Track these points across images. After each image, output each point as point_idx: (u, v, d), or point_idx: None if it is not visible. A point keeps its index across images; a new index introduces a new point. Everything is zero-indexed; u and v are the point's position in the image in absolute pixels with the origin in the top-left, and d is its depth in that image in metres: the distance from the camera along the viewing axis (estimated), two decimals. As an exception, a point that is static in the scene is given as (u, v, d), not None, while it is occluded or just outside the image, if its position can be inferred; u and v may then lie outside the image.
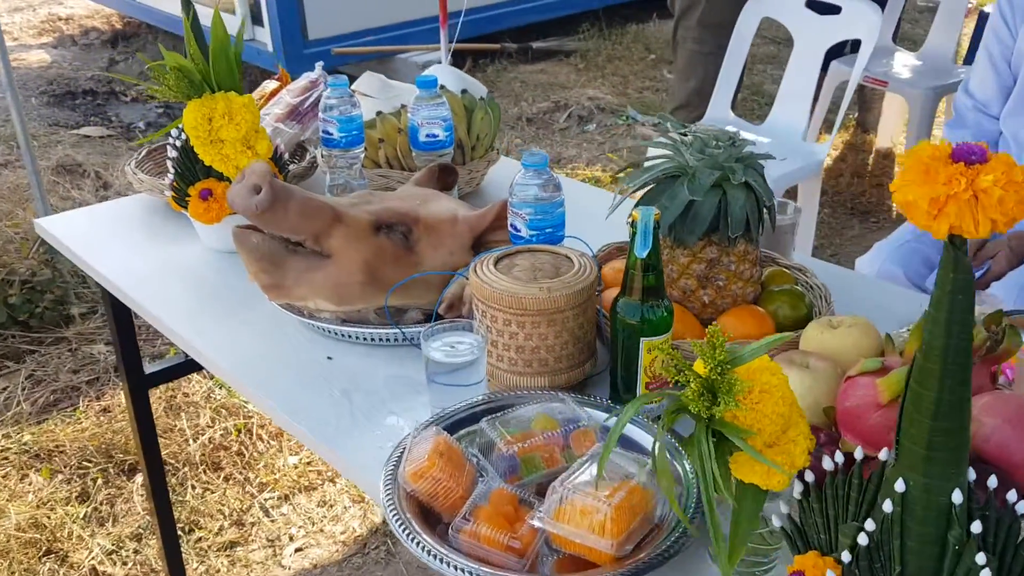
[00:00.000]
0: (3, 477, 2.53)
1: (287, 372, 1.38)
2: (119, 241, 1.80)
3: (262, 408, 1.34)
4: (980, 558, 0.71)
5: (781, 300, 1.32)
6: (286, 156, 1.74)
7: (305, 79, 2.07)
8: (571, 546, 0.98)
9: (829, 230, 3.89)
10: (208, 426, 2.71)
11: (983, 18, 4.66)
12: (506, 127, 4.84)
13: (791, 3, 3.25)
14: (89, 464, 2.57)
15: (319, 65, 2.11)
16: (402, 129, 1.83)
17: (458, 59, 5.31)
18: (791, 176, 3.13)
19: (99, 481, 2.52)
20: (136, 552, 2.33)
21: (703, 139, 1.28)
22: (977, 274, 2.19)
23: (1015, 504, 0.75)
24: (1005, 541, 0.75)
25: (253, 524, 2.42)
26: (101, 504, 2.46)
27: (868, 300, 1.49)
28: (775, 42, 5.78)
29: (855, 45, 4.04)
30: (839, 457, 0.79)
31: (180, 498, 2.47)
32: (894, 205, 4.13)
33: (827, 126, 4.52)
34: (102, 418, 2.75)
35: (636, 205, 1.32)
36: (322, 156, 1.90)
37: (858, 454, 0.78)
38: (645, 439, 1.16)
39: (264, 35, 5.04)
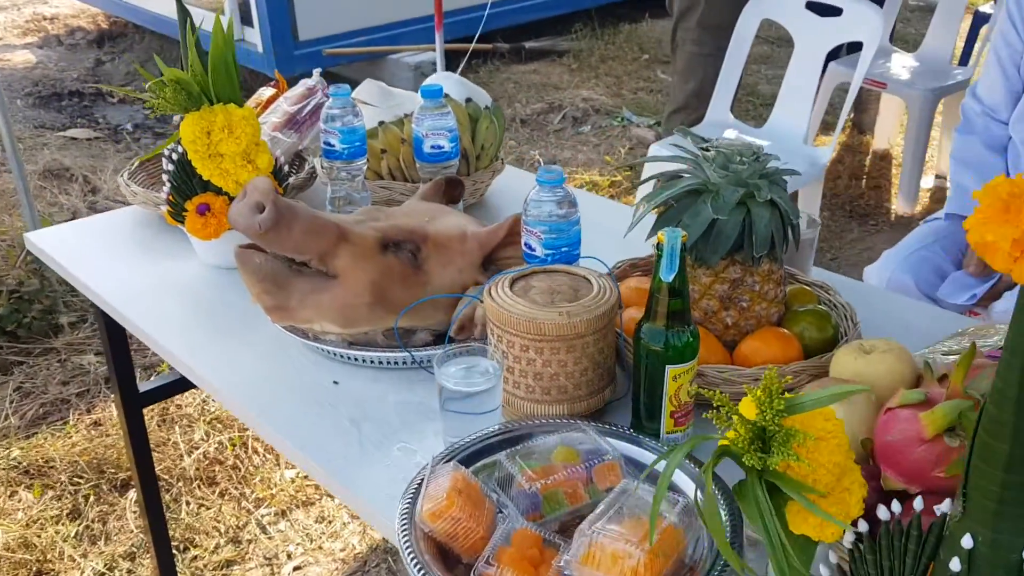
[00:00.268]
0: (-9, 494, 2.46)
1: (291, 398, 1.33)
2: (112, 256, 1.74)
3: (266, 438, 1.29)
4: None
5: (807, 321, 1.28)
6: (286, 168, 1.68)
7: (302, 86, 2.01)
8: (601, 592, 0.93)
9: (829, 233, 3.85)
10: (202, 439, 2.65)
11: (978, 18, 4.63)
12: (500, 129, 4.78)
13: (791, 5, 3.21)
14: (80, 480, 2.51)
15: (317, 72, 2.05)
16: (405, 139, 1.77)
17: (451, 60, 5.25)
18: (793, 182, 3.08)
19: (91, 498, 2.45)
20: (130, 572, 2.26)
21: (726, 154, 1.23)
22: (988, 284, 2.16)
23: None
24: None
25: (250, 541, 2.36)
26: (93, 522, 2.39)
27: (884, 314, 1.43)
28: (768, 42, 5.74)
29: (851, 46, 4.01)
30: (896, 507, 0.74)
31: (174, 515, 2.41)
32: (892, 207, 4.10)
33: (824, 128, 4.49)
34: (93, 432, 2.69)
35: (655, 223, 1.27)
36: (322, 167, 1.84)
37: (918, 504, 0.73)
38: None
39: (254, 36, 4.97)
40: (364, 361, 1.36)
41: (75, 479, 2.51)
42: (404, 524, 1.02)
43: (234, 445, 2.64)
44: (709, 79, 3.40)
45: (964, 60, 4.47)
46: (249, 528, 2.40)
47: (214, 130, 1.44)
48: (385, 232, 1.37)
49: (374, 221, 1.40)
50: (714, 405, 0.74)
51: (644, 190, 3.45)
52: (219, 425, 2.71)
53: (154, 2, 5.51)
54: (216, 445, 2.64)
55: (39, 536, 2.33)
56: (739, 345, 1.25)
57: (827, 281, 1.43)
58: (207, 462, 2.58)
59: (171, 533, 2.26)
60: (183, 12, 1.53)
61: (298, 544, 2.36)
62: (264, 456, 2.62)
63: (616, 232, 1.42)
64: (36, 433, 2.68)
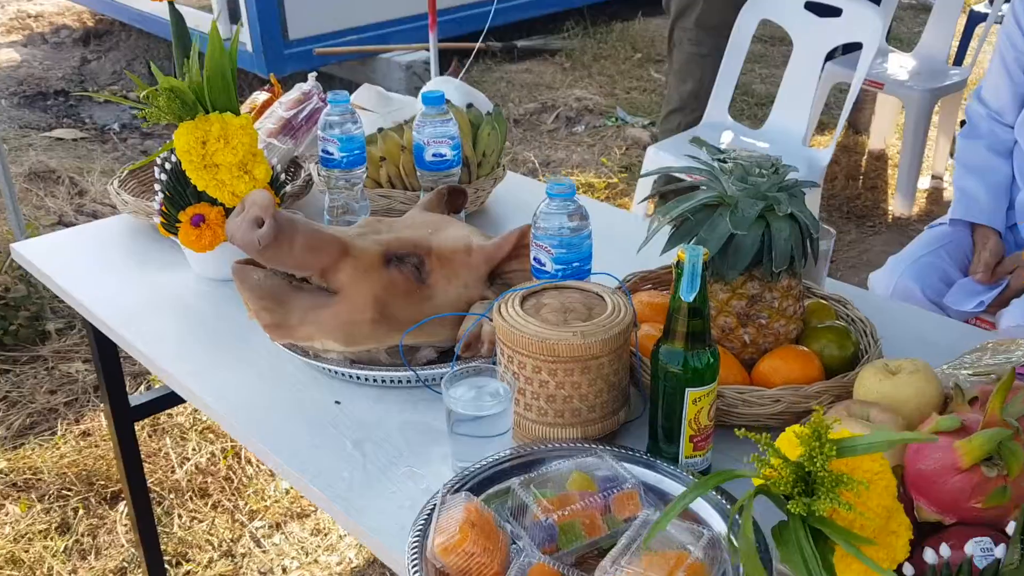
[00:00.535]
0: (-22, 508, 2.40)
1: (292, 419, 1.28)
2: (102, 268, 1.68)
3: (267, 461, 1.24)
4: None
5: (827, 338, 1.23)
6: (283, 177, 1.63)
7: (298, 91, 1.96)
8: (625, 631, 0.88)
9: (827, 235, 3.81)
10: (194, 450, 2.59)
11: (973, 18, 4.61)
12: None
13: (790, 5, 3.17)
14: (69, 493, 2.45)
15: (312, 75, 1.99)
16: (405, 146, 1.72)
17: (443, 59, 5.19)
18: (793, 183, 3.04)
19: (80, 511, 2.39)
20: (121, 588, 2.21)
21: (744, 166, 1.18)
22: (995, 291, 2.12)
23: None
24: None
25: (244, 555, 2.31)
26: (83, 536, 2.33)
27: (895, 324, 1.38)
28: (763, 41, 5.70)
29: (847, 46, 3.97)
30: (945, 551, 0.69)
31: (166, 529, 2.35)
32: (890, 208, 4.07)
33: (819, 128, 4.46)
34: (82, 443, 2.63)
35: (671, 238, 1.23)
36: (319, 175, 1.79)
37: (971, 548, 0.69)
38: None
39: (243, 34, 4.90)
40: (367, 380, 1.32)
41: (64, 492, 2.45)
42: (414, 559, 0.97)
43: (227, 456, 2.58)
44: (707, 79, 3.35)
45: (959, 60, 4.44)
46: (243, 541, 2.35)
47: (210, 140, 1.38)
48: (388, 245, 1.32)
49: (376, 234, 1.35)
50: (753, 439, 0.70)
51: (643, 191, 3.41)
52: (211, 435, 2.65)
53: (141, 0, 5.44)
54: (208, 456, 2.58)
55: (27, 552, 2.27)
56: (758, 364, 1.21)
57: (831, 290, 1.39)
58: (199, 473, 2.53)
59: (163, 547, 2.21)
60: (176, 16, 1.48)
61: (293, 558, 2.30)
62: (257, 467, 2.57)
63: (618, 240, 1.37)
64: (23, 444, 2.62)
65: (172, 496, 2.45)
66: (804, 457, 0.68)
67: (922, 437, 0.77)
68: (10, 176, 3.27)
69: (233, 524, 2.39)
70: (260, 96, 2.02)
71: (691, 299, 1.03)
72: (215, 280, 1.61)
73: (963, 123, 4.19)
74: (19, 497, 2.43)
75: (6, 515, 2.38)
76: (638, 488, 1.03)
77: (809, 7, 3.13)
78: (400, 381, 1.31)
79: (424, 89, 1.83)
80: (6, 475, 2.50)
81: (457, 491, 1.05)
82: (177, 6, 1.58)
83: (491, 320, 1.23)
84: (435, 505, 1.03)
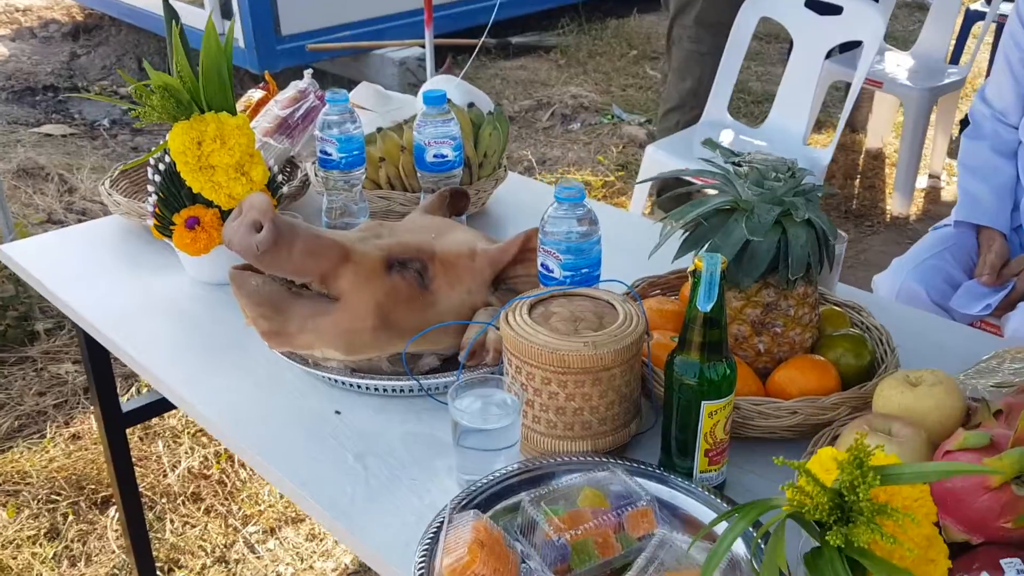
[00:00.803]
0: (-35, 513, 2.35)
1: (291, 430, 1.23)
2: (94, 271, 1.64)
3: (265, 474, 1.19)
4: None
5: (843, 347, 1.20)
6: (279, 178, 1.59)
7: (293, 88, 1.91)
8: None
9: (825, 235, 3.79)
10: (187, 454, 2.55)
11: (970, 16, 4.58)
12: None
13: (790, 3, 3.14)
14: (58, 497, 2.40)
15: (308, 73, 1.95)
16: (405, 147, 1.68)
17: (437, 55, 5.15)
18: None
19: (70, 516, 2.35)
20: (112, 596, 2.17)
21: (760, 170, 1.14)
22: (1002, 294, 2.10)
23: None
24: None
25: (238, 561, 2.27)
26: (72, 542, 2.29)
27: (906, 330, 1.33)
28: (759, 38, 5.67)
29: (843, 45, 3.94)
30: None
31: (158, 534, 2.30)
32: (887, 208, 4.04)
33: (815, 127, 4.43)
34: (72, 446, 2.58)
35: (683, 243, 1.19)
36: (316, 175, 1.75)
37: (1010, 571, 0.65)
38: (701, 512, 1.03)
39: (236, 30, 4.85)
40: (368, 389, 1.27)
41: (53, 496, 2.40)
42: (422, 580, 0.93)
43: (220, 460, 2.54)
44: (706, 77, 3.32)
45: (955, 58, 4.42)
46: (237, 547, 2.30)
47: (205, 140, 1.34)
48: (390, 250, 1.28)
49: (377, 238, 1.31)
50: (791, 467, 0.66)
51: (642, 191, 3.38)
52: (204, 439, 2.61)
53: (131, -6, 5.38)
54: (201, 459, 2.53)
55: (14, 558, 2.23)
56: (773, 374, 1.17)
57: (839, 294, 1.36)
58: (192, 478, 2.48)
59: (155, 554, 2.16)
60: (170, 12, 1.43)
61: (288, 564, 2.26)
62: (251, 471, 2.52)
63: (621, 242, 1.33)
64: (11, 447, 2.57)
65: (164, 501, 2.41)
66: (842, 484, 0.64)
67: (976, 469, 0.73)
68: (-2, 173, 3.21)
69: (226, 529, 2.35)
70: (255, 94, 1.97)
71: (708, 309, 0.99)
72: (210, 284, 1.57)
73: (962, 122, 4.18)
74: (7, 502, 2.38)
75: (-6, 520, 2.34)
76: (652, 505, 0.99)
77: (809, 5, 3.09)
78: (402, 390, 1.27)
79: (424, 88, 1.79)
80: (-6, 479, 2.45)
81: (464, 508, 1.01)
82: (170, 1, 1.53)
83: (497, 328, 1.20)
84: (441, 522, 0.99)
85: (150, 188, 1.50)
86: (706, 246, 1.15)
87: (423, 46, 5.18)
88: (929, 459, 0.99)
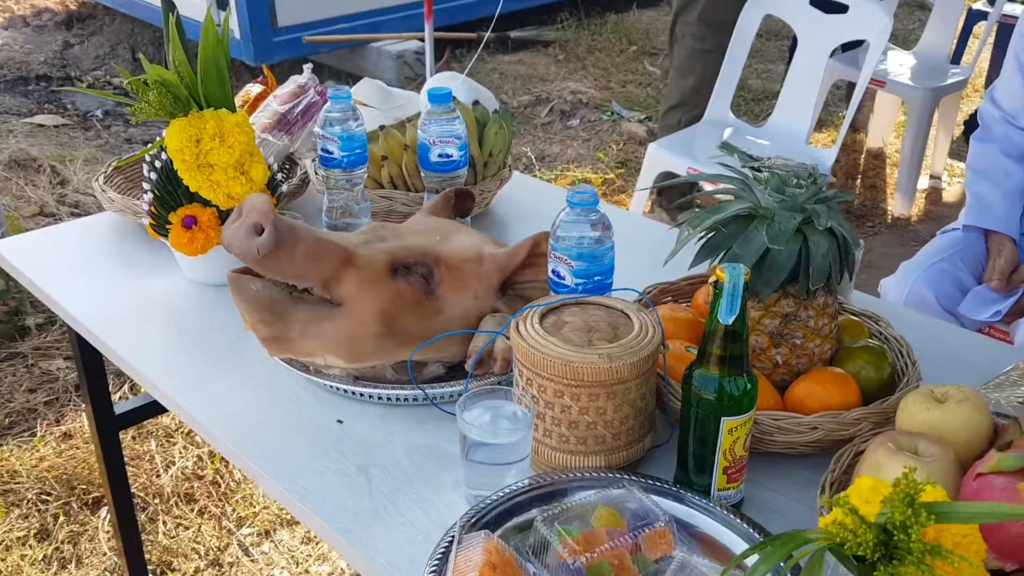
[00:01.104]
0: (-47, 513, 2.31)
1: (291, 439, 1.19)
2: (87, 270, 1.59)
3: (264, 486, 1.15)
4: None
5: (863, 359, 1.16)
6: (279, 176, 1.54)
7: (293, 83, 1.86)
8: None
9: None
10: (180, 454, 2.50)
11: (972, 16, 4.55)
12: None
13: (795, 0, 3.10)
14: (48, 497, 2.35)
15: (307, 68, 1.90)
16: (408, 145, 1.64)
17: (435, 49, 5.10)
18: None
19: (60, 517, 2.30)
20: (103, 599, 2.12)
21: (781, 176, 1.10)
22: (1012, 300, 2.06)
23: None
24: None
25: (232, 564, 2.22)
26: (63, 543, 2.24)
27: (918, 339, 1.28)
28: (757, 35, 5.62)
29: (845, 43, 3.91)
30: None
31: (150, 536, 2.26)
32: (889, 208, 4.01)
33: (816, 126, 4.39)
34: (63, 445, 2.53)
35: (700, 251, 1.15)
36: (316, 174, 1.70)
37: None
38: (719, 532, 1.00)
39: (231, 21, 4.79)
40: (371, 398, 1.23)
41: (43, 496, 2.36)
42: (430, 603, 0.89)
43: (214, 460, 2.49)
44: (708, 75, 3.28)
45: (956, 58, 4.39)
46: (231, 550, 2.26)
47: (204, 138, 1.29)
48: (395, 254, 1.24)
49: (381, 241, 1.26)
50: (831, 503, 0.62)
51: (642, 191, 3.33)
52: (197, 438, 2.56)
53: (125, -16, 5.32)
54: (195, 460, 2.49)
55: (3, 560, 2.18)
56: (792, 387, 1.13)
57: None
58: (185, 478, 2.44)
59: (147, 556, 2.12)
60: (167, 4, 1.38)
61: (283, 568, 2.22)
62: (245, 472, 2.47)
63: (625, 244, 1.28)
64: (1, 446, 2.52)
65: (156, 502, 2.37)
66: (890, 521, 0.60)
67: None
68: (-11, 165, 3.16)
69: (220, 531, 2.30)
70: (254, 88, 1.93)
71: (730, 322, 0.95)
72: (207, 285, 1.52)
73: (966, 123, 4.14)
74: (-4, 502, 2.34)
75: (-17, 521, 2.29)
76: (671, 525, 0.95)
77: (814, 3, 3.05)
78: (407, 399, 1.23)
79: (428, 85, 1.75)
80: (-17, 478, 2.41)
81: (474, 526, 0.97)
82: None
83: (507, 337, 1.16)
84: (450, 542, 0.95)
85: (145, 186, 1.45)
86: (725, 254, 1.11)
87: (421, 39, 5.13)
88: (959, 480, 0.95)
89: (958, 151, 4.41)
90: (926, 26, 4.17)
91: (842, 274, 1.15)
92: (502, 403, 1.08)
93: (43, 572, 2.17)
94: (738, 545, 0.98)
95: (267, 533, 2.31)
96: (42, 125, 4.59)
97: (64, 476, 2.41)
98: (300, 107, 1.82)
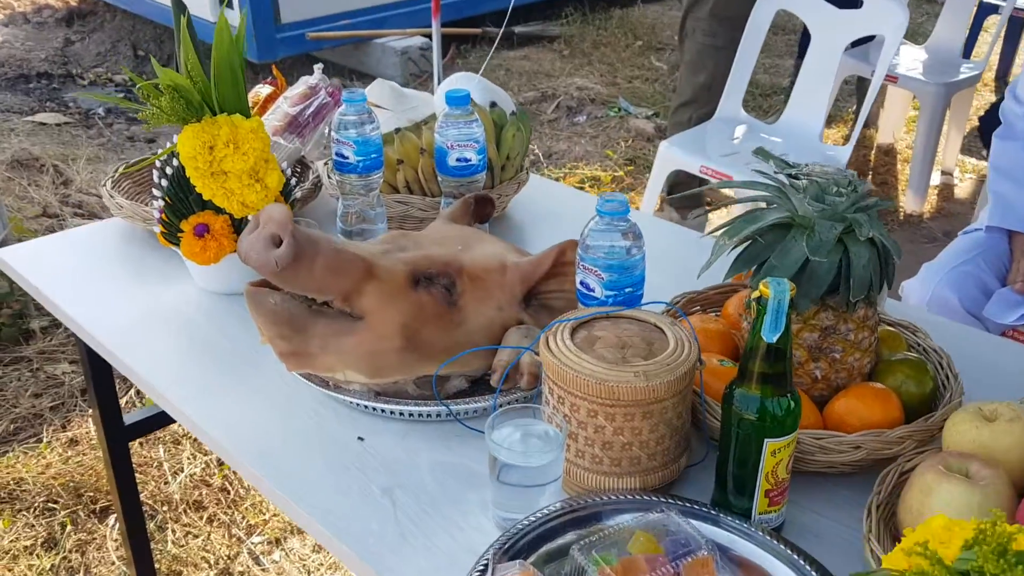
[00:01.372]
0: (-42, 522, 2.27)
1: (311, 458, 1.15)
2: (95, 278, 1.55)
3: (283, 508, 1.11)
4: None
5: (904, 373, 1.12)
6: (293, 181, 1.50)
7: (303, 84, 1.82)
8: None
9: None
10: (189, 460, 2.46)
11: (983, 9, 4.50)
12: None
13: (808, -5, 3.05)
14: (55, 506, 2.31)
15: (318, 68, 1.85)
16: (424, 149, 1.59)
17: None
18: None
19: (68, 526, 2.26)
20: (111, 610, 2.09)
21: (820, 184, 1.06)
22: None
23: None
24: None
25: (243, 573, 2.19)
26: (71, 552, 2.20)
27: (948, 345, 1.25)
28: (766, 29, 5.58)
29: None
30: None
31: (159, 545, 2.22)
32: (901, 205, 3.96)
33: (827, 122, 4.34)
34: (69, 451, 2.49)
35: (736, 262, 1.11)
36: (329, 178, 1.66)
37: None
38: (760, 557, 0.96)
39: (233, 17, 4.74)
40: (393, 414, 1.19)
41: (50, 504, 2.32)
42: (464, 638, 0.85)
43: (223, 466, 2.45)
44: (720, 72, 3.23)
45: (966, 52, 4.34)
46: (241, 559, 2.22)
47: (218, 145, 1.25)
48: (416, 264, 1.20)
49: (402, 251, 1.22)
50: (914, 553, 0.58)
51: (655, 188, 3.29)
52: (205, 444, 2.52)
53: (126, -20, 5.27)
54: (203, 466, 2.45)
55: (10, 570, 2.14)
56: (831, 403, 1.09)
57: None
58: (193, 485, 2.40)
59: (156, 565, 2.08)
60: (179, 5, 1.34)
61: (294, 577, 2.19)
62: (255, 477, 2.44)
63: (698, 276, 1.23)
64: (7, 452, 2.48)
65: (165, 509, 2.33)
66: (975, 569, 0.56)
67: None
68: (-9, 165, 3.12)
69: (230, 540, 2.27)
70: (263, 90, 1.88)
71: (774, 339, 0.91)
72: (219, 294, 1.48)
73: (981, 119, 4.08)
74: (2, 510, 2.29)
75: (-12, 530, 2.25)
76: (714, 553, 0.91)
77: (828, -3, 3.01)
78: (430, 415, 1.19)
79: (444, 85, 1.71)
80: (-12, 486, 2.37)
81: (506, 553, 0.93)
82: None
83: (536, 353, 1.11)
84: (482, 570, 0.91)
85: (156, 193, 1.41)
86: (762, 265, 1.06)
87: (425, 35, 5.09)
88: (1013, 504, 0.91)
89: (970, 147, 4.36)
90: (938, 20, 4.12)
91: (882, 284, 1.10)
92: (532, 421, 1.04)
93: (50, 582, 2.13)
94: (780, 571, 0.94)
95: (278, 541, 2.27)
96: (44, 123, 4.55)
97: (71, 483, 2.37)
98: (311, 109, 1.77)
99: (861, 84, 4.50)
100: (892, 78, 3.87)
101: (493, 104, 1.68)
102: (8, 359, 2.81)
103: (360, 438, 1.18)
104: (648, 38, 5.67)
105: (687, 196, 3.54)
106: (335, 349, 1.15)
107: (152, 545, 2.10)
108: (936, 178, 4.16)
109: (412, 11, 5.14)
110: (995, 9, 4.49)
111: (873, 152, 4.41)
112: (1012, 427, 0.97)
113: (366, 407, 1.19)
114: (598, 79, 5.08)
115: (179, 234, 1.38)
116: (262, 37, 4.66)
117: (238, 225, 1.39)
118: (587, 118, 4.63)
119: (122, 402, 2.57)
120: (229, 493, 2.39)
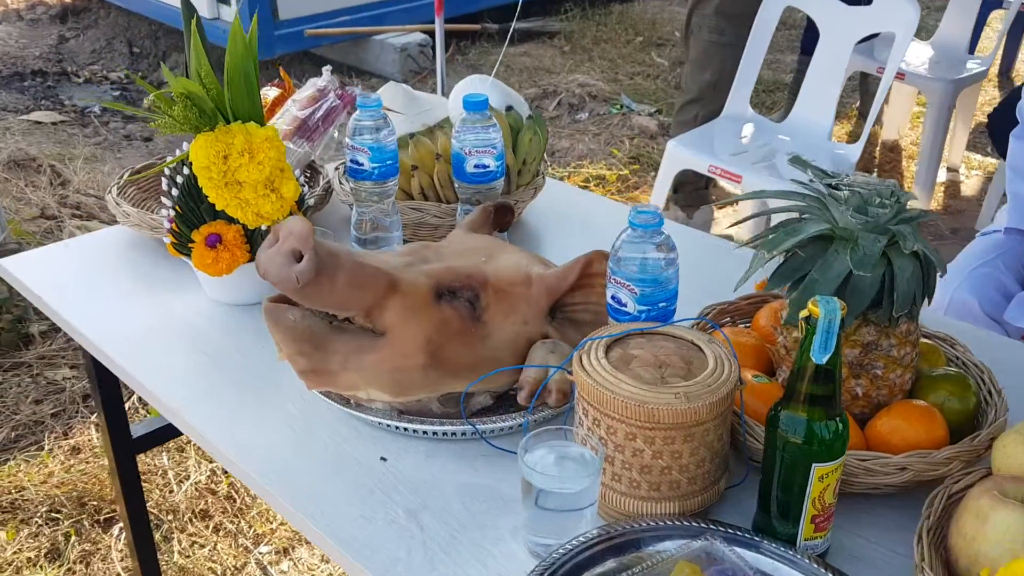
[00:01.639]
0: (-41, 533, 2.22)
1: (332, 479, 1.11)
2: (101, 288, 1.50)
3: (305, 532, 1.07)
4: None
5: (946, 390, 1.08)
6: (305, 189, 1.45)
7: (312, 87, 1.77)
8: None
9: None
10: (194, 468, 2.42)
11: (987, 4, 4.46)
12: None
13: (817, -9, 3.01)
14: (59, 515, 2.27)
15: (327, 70, 1.81)
16: (439, 154, 1.55)
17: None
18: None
19: (72, 536, 2.22)
20: (117, 624, 2.05)
21: (863, 195, 1.02)
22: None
23: None
24: None
25: (250, 585, 2.15)
26: (75, 563, 2.16)
27: (1000, 363, 1.20)
28: (768, 24, 5.53)
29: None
30: None
31: (165, 556, 2.18)
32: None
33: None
34: (72, 459, 2.45)
35: (775, 275, 1.07)
36: (341, 184, 1.62)
37: None
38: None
39: (230, 14, 4.68)
40: (417, 433, 1.15)
41: (53, 514, 2.27)
42: (504, 677, 0.81)
43: (228, 474, 2.41)
44: (727, 70, 3.19)
45: (971, 47, 4.30)
46: (248, 569, 2.18)
47: (232, 154, 1.20)
48: (439, 278, 1.15)
49: (424, 264, 1.18)
50: None
51: (662, 187, 3.24)
52: (211, 451, 2.48)
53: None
54: (209, 474, 2.41)
55: (14, 583, 2.10)
56: (873, 422, 1.06)
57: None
58: (199, 494, 2.36)
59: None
60: (189, 9, 1.29)
61: (303, 588, 2.15)
62: (261, 485, 2.39)
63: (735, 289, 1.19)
64: (8, 461, 2.43)
65: (171, 519, 2.28)
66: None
67: None
68: (-12, 167, 3.06)
69: (237, 549, 2.23)
70: (270, 93, 1.83)
71: (824, 360, 0.87)
72: (231, 305, 1.44)
73: (989, 116, 4.06)
74: (5, 521, 2.25)
75: (-10, 542, 2.21)
76: (761, 584, 0.87)
77: (837, -6, 2.97)
78: (455, 434, 1.15)
79: (459, 88, 1.66)
80: (-11, 496, 2.32)
81: (545, 586, 0.89)
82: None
83: (568, 371, 1.07)
84: (519, 603, 0.87)
85: (166, 202, 1.36)
86: (802, 279, 1.02)
87: (424, 32, 5.03)
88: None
89: (975, 143, 4.33)
90: (944, 16, 4.09)
91: (923, 298, 1.07)
92: (566, 443, 1.00)
93: (54, 595, 2.09)
94: (827, 599, 0.90)
95: (285, 551, 2.23)
96: (39, 122, 4.49)
97: (74, 493, 2.32)
98: (320, 112, 1.73)
99: (864, 80, 4.46)
100: (899, 75, 3.83)
101: (509, 108, 1.64)
102: (8, 364, 2.76)
103: (383, 458, 1.13)
104: (648, 34, 5.62)
105: (693, 193, 3.51)
106: (357, 366, 1.11)
107: (158, 556, 2.06)
108: (942, 175, 4.12)
109: (410, 7, 5.09)
110: (999, 3, 4.45)
111: (878, 148, 4.37)
112: (1067, 449, 0.93)
113: (388, 426, 1.15)
114: (599, 75, 5.04)
115: (190, 244, 1.34)
116: (260, 34, 4.57)
117: (251, 235, 1.34)
118: (589, 115, 4.59)
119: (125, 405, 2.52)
120: (235, 501, 2.35)
